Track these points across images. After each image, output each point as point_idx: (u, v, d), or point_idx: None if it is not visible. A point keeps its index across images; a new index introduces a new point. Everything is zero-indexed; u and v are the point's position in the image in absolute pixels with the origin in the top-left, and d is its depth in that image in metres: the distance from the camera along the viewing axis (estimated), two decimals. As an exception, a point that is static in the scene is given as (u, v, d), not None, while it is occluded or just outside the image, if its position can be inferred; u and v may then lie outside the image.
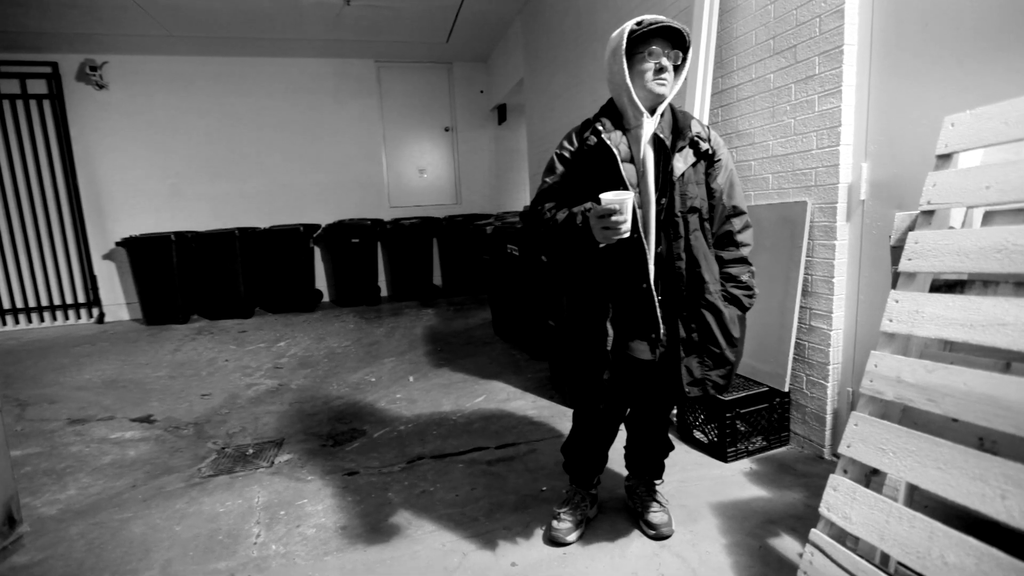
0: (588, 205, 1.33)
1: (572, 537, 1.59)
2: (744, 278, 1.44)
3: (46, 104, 5.22)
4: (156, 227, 5.53)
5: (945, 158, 1.23)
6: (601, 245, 1.31)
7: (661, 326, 1.37)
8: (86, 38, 4.92)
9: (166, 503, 1.95)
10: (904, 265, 1.23)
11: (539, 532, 1.65)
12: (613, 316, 1.39)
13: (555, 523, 1.61)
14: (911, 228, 1.31)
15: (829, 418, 1.98)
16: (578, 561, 1.52)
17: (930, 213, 1.23)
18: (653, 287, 1.36)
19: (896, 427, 1.11)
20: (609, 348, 1.38)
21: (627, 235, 1.26)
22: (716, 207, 1.43)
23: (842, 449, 1.20)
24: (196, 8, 4.44)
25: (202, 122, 5.70)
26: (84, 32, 4.78)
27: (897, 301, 1.20)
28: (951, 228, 1.22)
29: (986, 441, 1.03)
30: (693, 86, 2.33)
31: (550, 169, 1.49)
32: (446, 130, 6.55)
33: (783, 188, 2.12)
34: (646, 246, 1.35)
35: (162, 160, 5.64)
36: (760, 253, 2.20)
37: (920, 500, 1.18)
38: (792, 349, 2.04)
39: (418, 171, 6.54)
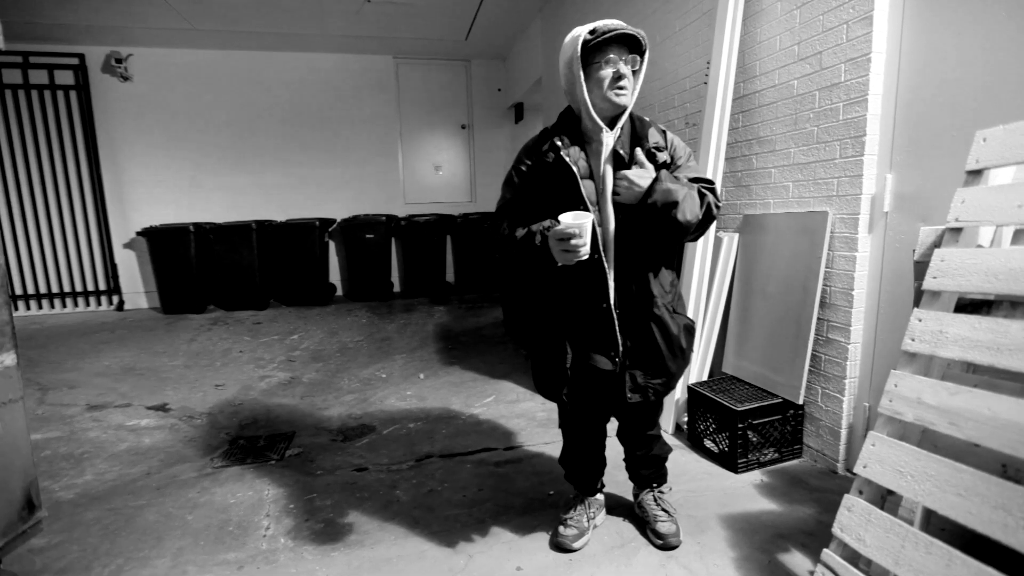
0: (547, 223, 1.30)
1: (578, 544, 1.59)
2: (707, 192, 1.35)
3: (72, 95, 5.33)
4: (176, 218, 5.62)
5: (975, 174, 1.20)
6: (559, 265, 1.30)
7: (620, 344, 1.37)
8: (112, 31, 5.00)
9: (179, 492, 1.99)
10: (929, 283, 1.20)
11: (545, 537, 1.65)
12: (572, 335, 1.40)
13: (561, 529, 1.61)
14: (936, 244, 1.28)
15: (844, 432, 1.95)
16: (583, 568, 1.51)
17: (957, 230, 1.19)
18: (613, 307, 1.36)
19: (915, 449, 1.08)
20: (568, 366, 1.39)
21: (586, 257, 1.25)
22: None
23: (858, 469, 1.17)
24: (219, 2, 4.49)
25: (222, 115, 5.78)
26: (110, 25, 4.86)
27: (920, 320, 1.17)
28: (979, 246, 1.18)
29: (1010, 469, 1.00)
30: (714, 91, 2.30)
31: (508, 183, 1.47)
32: (463, 128, 6.55)
33: (804, 197, 2.08)
34: (606, 266, 1.34)
35: (183, 152, 5.72)
36: (778, 262, 2.17)
37: (937, 523, 1.15)
38: (808, 361, 2.01)
39: (434, 168, 6.56)
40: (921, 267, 1.30)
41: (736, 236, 2.35)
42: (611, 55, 1.30)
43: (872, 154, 1.83)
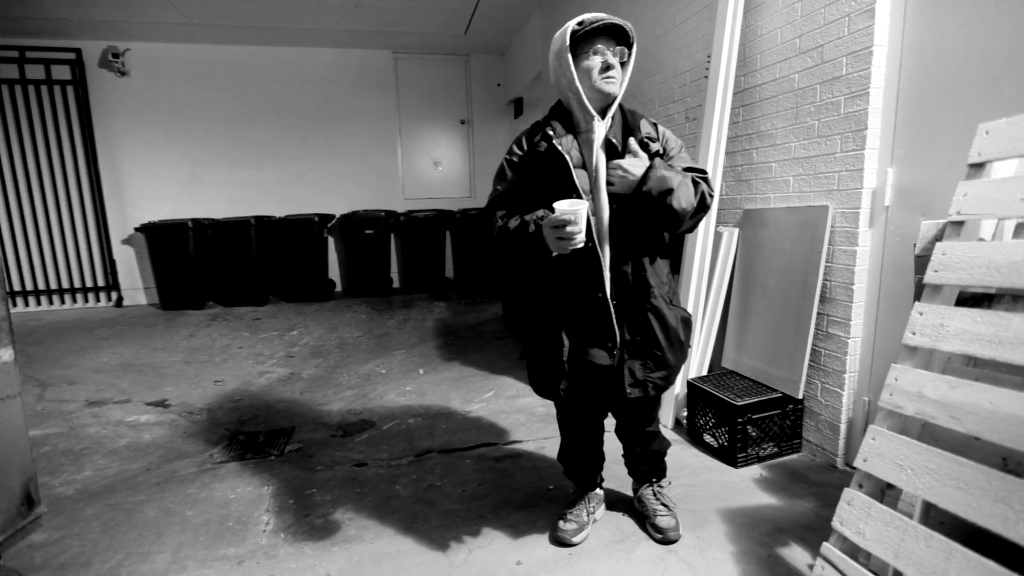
0: (540, 213, 1.30)
1: (578, 538, 1.59)
2: (700, 181, 1.35)
3: (70, 90, 5.30)
4: (174, 213, 5.60)
5: (978, 167, 1.19)
6: (554, 254, 1.29)
7: (618, 335, 1.36)
8: (109, 25, 4.97)
9: (179, 487, 1.99)
10: (930, 277, 1.19)
11: (545, 531, 1.65)
12: (568, 326, 1.39)
13: (561, 523, 1.61)
14: (937, 237, 1.27)
15: (843, 427, 1.95)
16: (583, 562, 1.52)
17: (959, 224, 1.19)
18: (609, 296, 1.35)
19: (915, 443, 1.08)
20: (565, 359, 1.38)
21: (581, 245, 1.24)
22: None
23: (858, 463, 1.17)
24: (217, -4, 4.47)
25: (221, 110, 5.75)
26: (107, 19, 4.83)
27: (921, 314, 1.17)
28: (981, 240, 1.18)
29: (1010, 462, 0.99)
30: (715, 85, 2.29)
31: (500, 175, 1.45)
32: (462, 123, 6.53)
33: (804, 191, 2.07)
34: (601, 255, 1.33)
35: (181, 147, 5.70)
36: (779, 257, 2.16)
37: (936, 517, 1.15)
38: (808, 355, 2.00)
39: (433, 163, 6.54)
40: (922, 261, 1.29)
41: (736, 231, 2.35)
42: (599, 45, 1.30)
43: (873, 148, 1.82)
